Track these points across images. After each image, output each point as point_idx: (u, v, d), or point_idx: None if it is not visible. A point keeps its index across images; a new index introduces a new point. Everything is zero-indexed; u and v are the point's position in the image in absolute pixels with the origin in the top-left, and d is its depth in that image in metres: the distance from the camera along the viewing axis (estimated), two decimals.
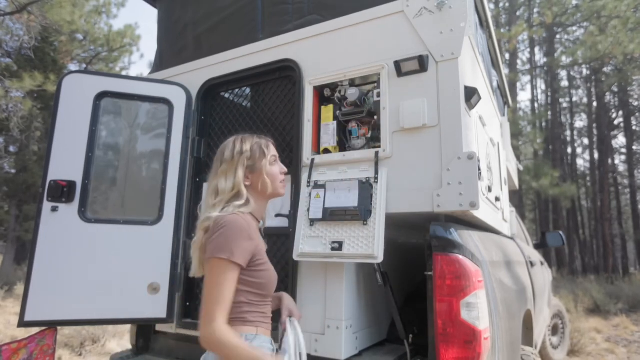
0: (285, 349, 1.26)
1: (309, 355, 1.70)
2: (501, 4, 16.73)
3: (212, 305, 1.10)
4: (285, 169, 1.42)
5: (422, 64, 1.68)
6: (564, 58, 16.01)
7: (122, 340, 5.22)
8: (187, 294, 2.26)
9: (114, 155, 2.37)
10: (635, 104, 17.48)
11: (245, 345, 1.11)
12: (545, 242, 4.67)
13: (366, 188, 1.67)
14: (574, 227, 18.18)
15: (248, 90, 2.41)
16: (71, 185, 2.06)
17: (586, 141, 20.10)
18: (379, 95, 1.81)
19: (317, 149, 1.95)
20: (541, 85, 20.22)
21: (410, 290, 2.36)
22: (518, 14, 16.74)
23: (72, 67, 13.61)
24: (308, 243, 1.73)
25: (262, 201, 1.37)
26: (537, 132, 14.95)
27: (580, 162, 21.16)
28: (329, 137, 1.92)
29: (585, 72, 18.57)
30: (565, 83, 19.49)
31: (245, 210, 1.27)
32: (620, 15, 11.74)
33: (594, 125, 18.29)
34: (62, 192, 2.04)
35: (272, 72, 2.21)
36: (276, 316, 1.40)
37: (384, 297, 1.84)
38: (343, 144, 1.92)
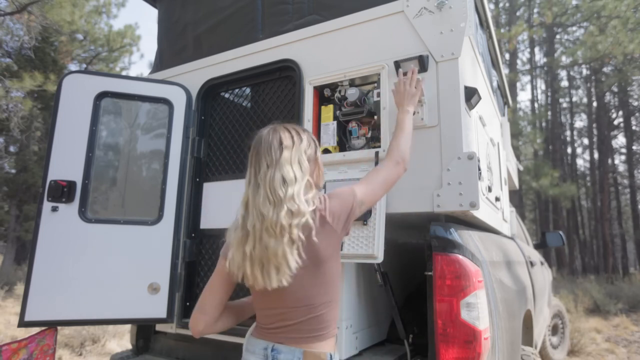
0: None
1: None
2: (501, 4, 16.73)
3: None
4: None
5: (422, 64, 1.68)
6: (563, 58, 16.03)
7: (122, 340, 5.22)
8: (187, 294, 2.26)
9: (114, 155, 2.37)
10: (635, 104, 17.48)
11: (404, 134, 1.49)
12: (545, 242, 4.68)
13: None
14: (574, 227, 18.18)
15: (248, 90, 2.41)
16: (71, 185, 2.06)
17: (586, 141, 20.11)
18: (379, 95, 1.81)
19: None
20: (541, 85, 20.23)
21: (410, 290, 2.36)
22: (518, 14, 16.74)
23: (72, 67, 13.63)
24: None
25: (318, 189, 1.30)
26: (537, 132, 14.96)
27: (580, 162, 21.18)
28: (329, 137, 1.92)
29: (585, 72, 18.57)
30: (565, 83, 19.50)
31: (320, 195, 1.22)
32: (620, 15, 11.74)
33: (594, 125, 18.29)
34: (62, 192, 2.04)
35: (272, 72, 2.21)
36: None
37: (384, 297, 1.84)
38: (343, 144, 1.92)
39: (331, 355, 1.11)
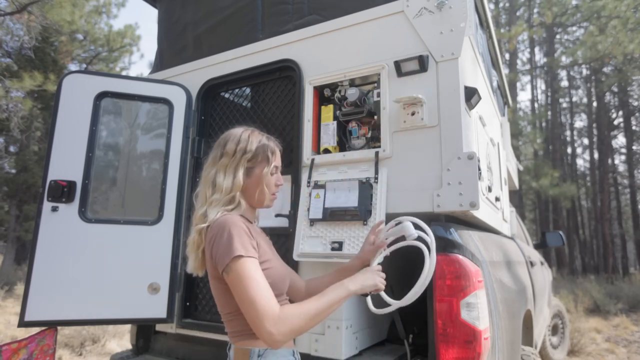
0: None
1: (308, 356, 1.71)
2: (501, 4, 16.72)
3: (256, 305, 0.97)
4: (282, 182, 1.32)
5: (422, 64, 1.68)
6: (563, 58, 16.02)
7: (122, 340, 5.22)
8: (187, 294, 2.26)
9: (114, 155, 2.37)
10: (635, 104, 17.48)
11: (317, 298, 1.04)
12: (545, 242, 4.68)
13: (366, 188, 1.67)
14: (573, 227, 18.18)
15: (248, 90, 2.41)
16: (71, 185, 2.06)
17: (586, 141, 20.11)
18: (379, 95, 1.81)
19: (317, 149, 1.95)
20: (541, 85, 20.23)
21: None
22: (518, 14, 16.74)
23: (72, 67, 13.62)
24: (308, 243, 1.73)
25: (252, 207, 1.27)
26: (537, 132, 14.96)
27: (580, 162, 21.17)
28: (329, 137, 1.92)
29: (585, 72, 18.56)
30: (565, 83, 19.49)
31: (235, 213, 1.18)
32: (620, 15, 11.74)
33: (594, 125, 18.29)
34: (62, 192, 2.04)
35: (272, 72, 2.21)
36: None
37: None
38: (343, 144, 1.92)
39: (258, 351, 1.10)
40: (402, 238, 1.35)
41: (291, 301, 1.31)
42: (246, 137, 1.24)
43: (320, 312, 1.04)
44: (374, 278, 1.20)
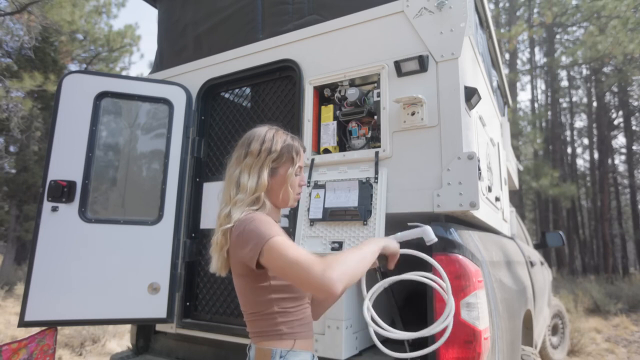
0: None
1: None
2: (501, 4, 16.72)
3: (300, 263, 0.96)
4: (305, 182, 1.31)
5: (422, 64, 1.68)
6: (563, 58, 16.01)
7: (122, 340, 5.22)
8: (187, 294, 2.26)
9: (114, 155, 2.37)
10: (635, 104, 17.47)
11: (352, 250, 1.07)
12: (545, 242, 4.68)
13: (366, 188, 1.67)
14: (574, 227, 18.17)
15: (248, 90, 2.41)
16: (71, 185, 2.07)
17: (586, 141, 20.10)
18: (379, 95, 1.81)
19: (317, 149, 1.95)
20: (541, 85, 20.22)
21: (410, 290, 2.36)
22: (518, 14, 16.74)
23: (72, 67, 13.62)
24: (308, 243, 1.73)
25: (276, 207, 1.25)
26: (537, 132, 14.94)
27: (580, 162, 21.15)
28: (329, 137, 1.92)
29: (585, 72, 18.56)
30: (565, 83, 19.48)
31: (260, 213, 1.16)
32: (620, 15, 11.73)
33: (594, 125, 18.28)
34: (62, 192, 2.04)
35: (272, 72, 2.21)
36: None
37: (384, 297, 1.84)
38: (343, 144, 1.92)
39: (279, 352, 1.09)
40: (417, 241, 1.31)
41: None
42: (271, 136, 1.22)
43: (359, 261, 1.06)
44: (395, 244, 1.26)
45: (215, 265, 1.20)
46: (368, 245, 1.14)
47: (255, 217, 1.09)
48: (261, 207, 1.17)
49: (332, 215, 1.69)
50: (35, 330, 1.95)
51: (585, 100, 19.15)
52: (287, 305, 1.12)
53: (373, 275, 1.80)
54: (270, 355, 1.09)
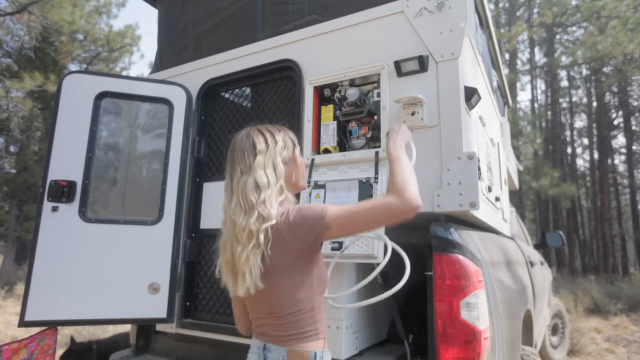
0: None
1: None
2: (501, 4, 16.72)
3: (375, 202, 1.08)
4: (306, 160, 1.36)
5: (422, 64, 1.68)
6: (563, 58, 16.01)
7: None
8: (187, 294, 2.26)
9: (114, 155, 2.37)
10: (635, 104, 17.47)
11: (396, 165, 1.17)
12: (545, 242, 4.68)
13: (366, 188, 1.68)
14: (573, 227, 18.17)
15: (248, 90, 2.42)
16: (71, 185, 2.07)
17: (586, 141, 20.09)
18: (379, 95, 1.81)
19: (317, 149, 1.95)
20: (541, 85, 20.21)
21: (410, 290, 2.36)
22: (518, 14, 16.74)
23: (73, 67, 13.62)
24: None
25: (292, 193, 1.25)
26: (537, 132, 14.95)
27: (580, 162, 21.15)
28: (329, 137, 1.92)
29: (585, 72, 18.55)
30: (565, 83, 19.48)
31: (285, 204, 1.17)
32: (619, 15, 11.73)
33: (594, 125, 18.28)
34: (63, 192, 2.04)
35: (272, 72, 2.21)
36: None
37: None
38: (343, 144, 1.92)
39: (316, 354, 1.08)
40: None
41: None
42: (266, 132, 1.22)
43: (406, 167, 1.16)
44: (407, 131, 1.40)
45: (248, 281, 1.07)
46: (399, 153, 1.22)
47: (296, 206, 1.14)
48: (285, 197, 1.17)
49: None
50: (35, 330, 1.95)
51: (585, 100, 19.16)
52: (320, 301, 1.14)
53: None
54: (309, 358, 1.07)
